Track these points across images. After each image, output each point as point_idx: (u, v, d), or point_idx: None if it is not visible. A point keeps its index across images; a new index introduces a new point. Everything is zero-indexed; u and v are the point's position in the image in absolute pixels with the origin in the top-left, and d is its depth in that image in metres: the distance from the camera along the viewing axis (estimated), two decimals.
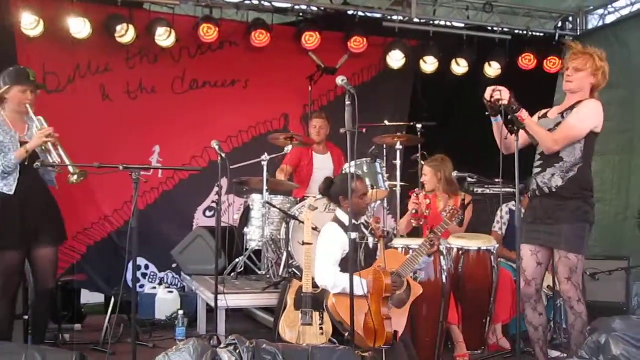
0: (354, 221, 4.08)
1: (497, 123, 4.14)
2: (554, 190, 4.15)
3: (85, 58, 6.90)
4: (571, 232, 4.11)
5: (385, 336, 4.08)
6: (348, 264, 3.86)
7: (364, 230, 4.56)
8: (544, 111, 4.38)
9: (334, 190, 4.68)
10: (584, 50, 4.23)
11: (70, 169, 4.31)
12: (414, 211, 5.27)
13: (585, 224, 4.18)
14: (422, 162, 5.96)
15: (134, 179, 3.73)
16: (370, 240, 4.55)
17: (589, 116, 4.13)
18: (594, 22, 8.35)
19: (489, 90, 4.01)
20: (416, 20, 7.73)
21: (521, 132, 3.97)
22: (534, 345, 4.41)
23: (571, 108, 4.18)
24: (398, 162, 6.01)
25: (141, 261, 7.13)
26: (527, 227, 4.26)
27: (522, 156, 3.90)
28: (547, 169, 4.19)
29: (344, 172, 5.65)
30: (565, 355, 4.92)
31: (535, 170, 4.28)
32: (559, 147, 4.12)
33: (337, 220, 4.56)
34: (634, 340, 3.73)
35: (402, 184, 6.00)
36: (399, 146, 6.00)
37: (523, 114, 4.03)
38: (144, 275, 7.10)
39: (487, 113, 4.08)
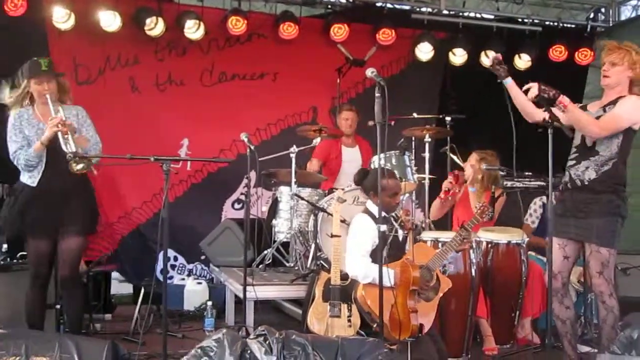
0: (384, 214, 4.08)
1: (509, 85, 4.16)
2: (587, 183, 4.09)
3: (115, 50, 6.97)
4: (603, 226, 4.06)
5: (411, 328, 4.08)
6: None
7: (394, 222, 4.54)
8: (580, 105, 4.29)
9: (366, 183, 4.67)
10: (619, 45, 4.15)
11: (83, 154, 4.29)
12: (446, 189, 5.25)
13: (617, 218, 4.13)
14: (451, 155, 5.92)
15: (164, 170, 3.75)
16: (400, 233, 4.54)
17: (632, 110, 4.05)
18: (627, 13, 8.25)
19: (491, 55, 4.13)
20: (445, 12, 7.68)
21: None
22: (563, 339, 4.37)
23: (613, 103, 4.11)
24: (427, 154, 5.96)
25: (170, 253, 7.15)
26: (557, 220, 4.20)
27: (555, 151, 3.88)
28: (581, 161, 4.14)
29: (372, 164, 5.65)
30: (596, 350, 4.87)
31: (570, 163, 4.22)
32: (606, 133, 4.03)
33: (367, 211, 4.55)
34: None
35: (431, 176, 5.96)
36: (427, 139, 5.96)
37: (564, 99, 3.97)
38: (173, 266, 7.15)
39: (498, 81, 4.13)
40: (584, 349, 5.08)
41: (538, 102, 4.02)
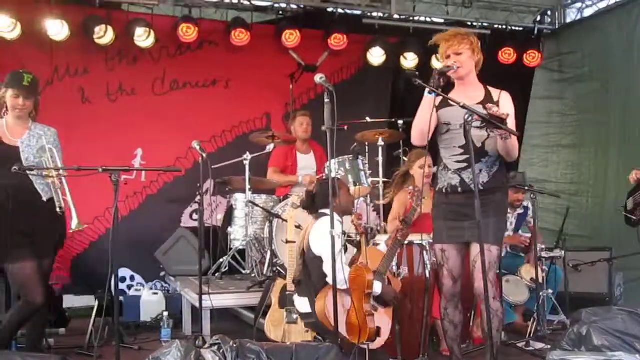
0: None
1: (430, 99, 3.85)
2: (481, 187, 3.84)
3: (63, 60, 6.87)
4: (497, 225, 3.97)
5: (368, 332, 4.10)
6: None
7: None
8: (438, 99, 3.92)
9: (317, 201, 4.50)
10: (456, 32, 4.07)
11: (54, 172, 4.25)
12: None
13: (506, 217, 4.20)
14: (404, 158, 5.97)
15: (113, 181, 3.69)
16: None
17: (513, 108, 3.99)
18: (572, 15, 8.45)
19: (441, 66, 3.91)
20: (396, 16, 7.74)
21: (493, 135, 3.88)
22: (452, 343, 4.20)
23: (488, 99, 3.96)
24: (380, 158, 6.01)
25: (126, 272, 7.06)
26: (450, 225, 4.02)
27: None
28: (470, 165, 3.81)
29: (326, 169, 5.66)
30: (549, 346, 4.97)
31: (459, 166, 3.98)
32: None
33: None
34: (614, 331, 3.77)
35: (385, 180, 6.01)
36: (380, 142, 6.01)
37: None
38: (130, 287, 6.97)
39: (427, 88, 3.77)
40: (538, 345, 5.19)
41: (483, 123, 3.81)
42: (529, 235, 6.14)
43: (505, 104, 3.97)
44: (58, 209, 4.26)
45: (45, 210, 4.34)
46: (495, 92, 4.05)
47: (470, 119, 3.62)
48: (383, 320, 4.32)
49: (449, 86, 4.02)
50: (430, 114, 3.82)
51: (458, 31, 4.11)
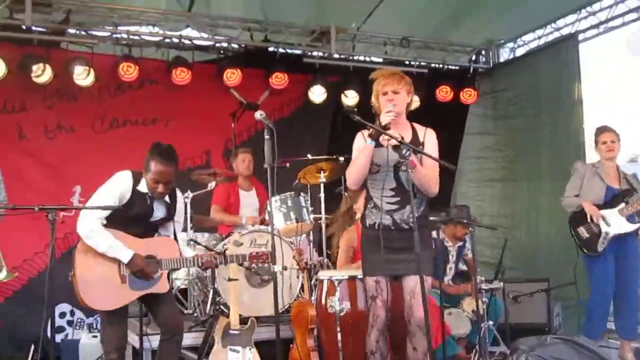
0: None
1: (370, 147, 3.96)
2: (411, 225, 3.88)
3: (0, 97, 6.73)
4: (429, 257, 4.13)
5: None
6: None
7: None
8: (365, 134, 4.07)
9: None
10: (392, 71, 4.20)
11: None
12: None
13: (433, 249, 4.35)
14: (346, 194, 6.04)
15: (50, 219, 3.64)
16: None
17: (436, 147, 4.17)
18: (505, 55, 8.77)
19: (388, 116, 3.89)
20: (336, 55, 7.89)
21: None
22: None
23: (416, 138, 4.11)
24: (322, 195, 6.07)
25: (66, 307, 6.86)
26: (385, 257, 4.02)
27: None
28: (405, 205, 4.05)
29: (268, 206, 5.68)
30: None
31: (391, 207, 4.09)
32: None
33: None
34: (551, 358, 3.87)
35: (327, 216, 6.06)
36: (322, 179, 6.07)
37: (414, 160, 3.92)
38: (70, 322, 6.80)
39: (369, 135, 3.95)
40: None
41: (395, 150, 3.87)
42: (466, 285, 6.29)
43: (429, 139, 4.15)
44: None
45: None
46: (420, 130, 4.20)
47: (408, 153, 3.72)
48: None
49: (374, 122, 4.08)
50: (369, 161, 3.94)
51: (396, 71, 4.24)
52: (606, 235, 5.59)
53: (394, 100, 4.03)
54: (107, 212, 4.15)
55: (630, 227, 5.62)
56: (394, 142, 3.75)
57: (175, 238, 4.48)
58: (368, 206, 4.18)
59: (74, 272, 4.07)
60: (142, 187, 4.29)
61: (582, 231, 5.71)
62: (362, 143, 4.11)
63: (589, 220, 5.64)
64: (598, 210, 5.62)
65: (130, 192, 4.26)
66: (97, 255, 4.14)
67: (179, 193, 4.59)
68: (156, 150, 4.28)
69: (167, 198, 4.41)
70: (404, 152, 3.69)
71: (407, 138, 4.05)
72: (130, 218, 4.23)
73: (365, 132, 4.09)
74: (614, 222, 5.60)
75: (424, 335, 3.89)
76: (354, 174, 4.06)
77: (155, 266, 4.21)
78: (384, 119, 3.87)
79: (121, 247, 4.14)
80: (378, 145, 3.98)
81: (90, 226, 4.12)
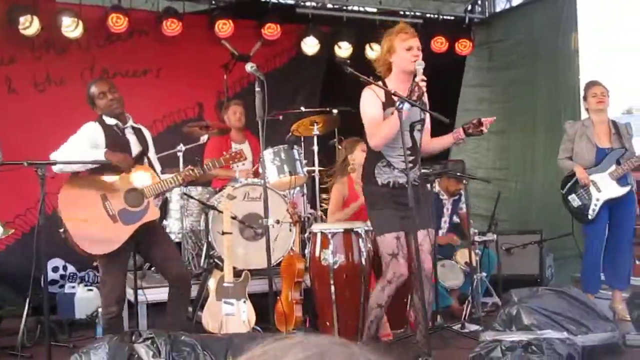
0: None
1: (403, 111, 3.91)
2: (418, 181, 4.17)
3: None
4: (431, 212, 4.28)
5: (294, 320, 4.12)
6: None
7: None
8: (376, 91, 4.09)
9: None
10: (410, 26, 4.20)
11: None
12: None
13: None
14: (339, 147, 6.00)
15: (39, 175, 3.61)
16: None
17: None
18: (501, 4, 8.62)
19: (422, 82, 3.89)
20: (329, 5, 7.75)
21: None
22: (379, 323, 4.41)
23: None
24: (315, 147, 6.03)
25: (59, 262, 6.86)
26: (401, 214, 4.08)
27: None
28: (416, 164, 4.18)
29: (261, 159, 5.64)
30: (482, 328, 5.10)
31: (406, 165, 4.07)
32: None
33: None
34: (542, 309, 3.90)
35: (321, 169, 6.02)
36: (315, 132, 6.02)
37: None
38: (63, 276, 6.83)
39: (403, 100, 3.88)
40: (472, 327, 5.31)
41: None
42: (452, 236, 6.34)
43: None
44: None
45: None
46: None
47: (401, 107, 3.70)
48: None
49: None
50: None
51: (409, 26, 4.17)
52: (597, 202, 5.57)
53: (420, 56, 3.98)
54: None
55: (620, 191, 5.56)
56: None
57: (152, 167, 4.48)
58: (379, 165, 4.14)
59: (64, 227, 4.05)
60: (108, 120, 4.37)
61: (574, 198, 5.69)
62: (375, 101, 4.07)
63: (580, 186, 5.62)
64: (588, 177, 5.58)
65: (101, 130, 4.32)
66: (81, 203, 4.15)
67: (141, 125, 4.63)
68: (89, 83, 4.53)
69: (132, 123, 4.49)
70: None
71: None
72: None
73: (375, 89, 4.05)
74: (605, 187, 5.55)
75: (432, 287, 3.95)
76: (386, 136, 4.01)
77: (139, 197, 4.22)
78: (423, 84, 3.85)
79: (89, 150, 4.19)
80: (393, 105, 3.94)
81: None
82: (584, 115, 6.04)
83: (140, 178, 4.28)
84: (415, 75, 3.94)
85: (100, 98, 4.35)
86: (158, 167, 4.62)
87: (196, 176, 4.44)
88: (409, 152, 4.00)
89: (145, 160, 4.48)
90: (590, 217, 5.61)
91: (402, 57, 4.02)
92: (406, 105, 3.87)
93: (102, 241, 4.15)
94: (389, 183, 4.11)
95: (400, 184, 4.08)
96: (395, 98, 3.94)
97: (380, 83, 4.02)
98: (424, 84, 3.89)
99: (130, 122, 4.46)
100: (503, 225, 6.85)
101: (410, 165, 4.02)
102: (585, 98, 5.75)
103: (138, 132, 4.50)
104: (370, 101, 4.09)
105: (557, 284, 6.34)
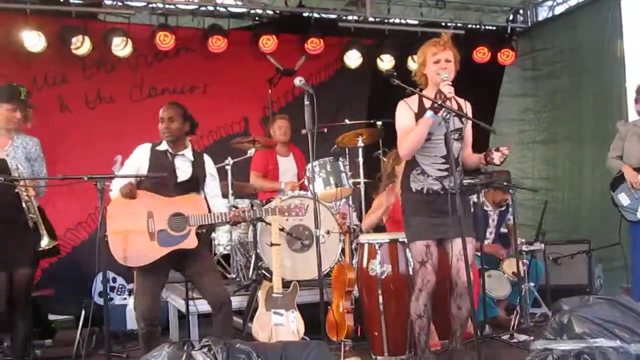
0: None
1: (431, 119, 3.98)
2: (456, 190, 3.99)
3: (41, 70, 6.87)
4: (469, 221, 4.21)
5: (346, 329, 4.15)
6: None
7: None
8: (414, 105, 4.14)
9: None
10: (446, 39, 4.15)
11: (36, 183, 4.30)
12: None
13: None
14: (384, 158, 6.04)
15: (98, 188, 3.74)
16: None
17: None
18: (543, 13, 8.59)
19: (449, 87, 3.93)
20: (371, 19, 7.83)
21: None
22: (426, 339, 4.37)
23: (460, 109, 4.16)
24: (360, 159, 6.08)
25: (109, 274, 7.03)
26: (433, 222, 4.12)
27: None
28: (451, 173, 4.06)
29: (307, 172, 5.72)
30: (532, 338, 5.06)
31: (441, 174, 4.13)
32: None
33: None
34: (594, 318, 3.85)
35: (366, 180, 6.07)
36: (360, 144, 6.07)
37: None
38: (112, 288, 6.97)
39: (431, 107, 3.94)
40: (521, 337, 5.26)
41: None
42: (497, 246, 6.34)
43: (468, 111, 4.24)
44: (31, 223, 4.36)
45: (22, 220, 4.42)
46: (461, 101, 4.22)
47: (448, 116, 3.74)
48: None
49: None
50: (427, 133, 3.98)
51: (447, 39, 4.16)
52: None
53: (447, 69, 4.01)
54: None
55: None
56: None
57: (206, 199, 4.54)
58: (414, 172, 4.18)
59: (107, 233, 4.19)
60: (161, 146, 4.48)
61: (623, 197, 5.64)
62: (407, 112, 4.13)
63: (629, 186, 5.57)
64: (637, 176, 5.53)
65: (149, 155, 4.44)
66: (127, 214, 4.24)
67: (206, 156, 4.69)
68: None
69: (190, 156, 4.53)
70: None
71: (455, 107, 4.07)
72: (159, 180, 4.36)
73: (409, 101, 4.12)
74: None
75: (469, 296, 3.96)
76: (413, 145, 4.05)
77: (183, 223, 4.28)
78: (446, 89, 3.88)
79: (120, 182, 4.31)
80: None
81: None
82: (632, 118, 6.01)
83: (191, 204, 4.37)
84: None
85: (160, 122, 4.48)
86: (218, 196, 4.67)
87: (244, 220, 4.51)
88: (443, 161, 4.07)
89: (202, 189, 4.55)
90: (639, 216, 5.55)
91: (431, 69, 4.11)
92: (429, 114, 3.94)
93: (133, 254, 4.23)
94: (422, 189, 4.14)
95: (435, 191, 4.12)
96: (410, 103, 4.08)
97: (424, 93, 4.06)
98: (448, 90, 3.91)
99: (186, 151, 4.54)
100: (551, 235, 6.79)
101: (445, 173, 4.09)
102: (636, 101, 5.73)
103: (197, 160, 4.57)
104: (401, 113, 4.18)
105: (606, 294, 6.24)
